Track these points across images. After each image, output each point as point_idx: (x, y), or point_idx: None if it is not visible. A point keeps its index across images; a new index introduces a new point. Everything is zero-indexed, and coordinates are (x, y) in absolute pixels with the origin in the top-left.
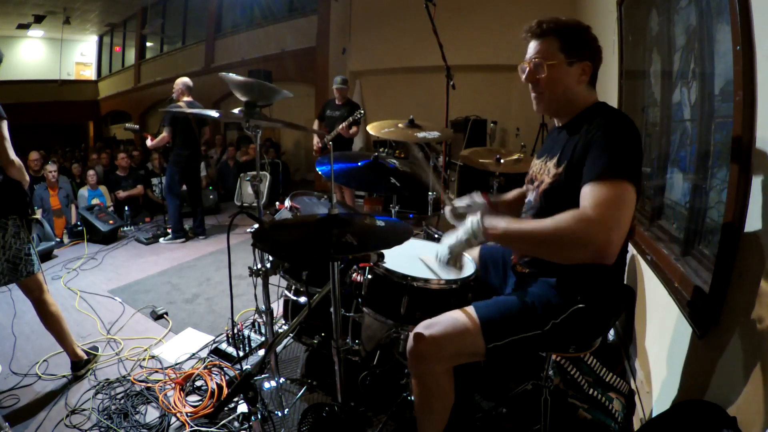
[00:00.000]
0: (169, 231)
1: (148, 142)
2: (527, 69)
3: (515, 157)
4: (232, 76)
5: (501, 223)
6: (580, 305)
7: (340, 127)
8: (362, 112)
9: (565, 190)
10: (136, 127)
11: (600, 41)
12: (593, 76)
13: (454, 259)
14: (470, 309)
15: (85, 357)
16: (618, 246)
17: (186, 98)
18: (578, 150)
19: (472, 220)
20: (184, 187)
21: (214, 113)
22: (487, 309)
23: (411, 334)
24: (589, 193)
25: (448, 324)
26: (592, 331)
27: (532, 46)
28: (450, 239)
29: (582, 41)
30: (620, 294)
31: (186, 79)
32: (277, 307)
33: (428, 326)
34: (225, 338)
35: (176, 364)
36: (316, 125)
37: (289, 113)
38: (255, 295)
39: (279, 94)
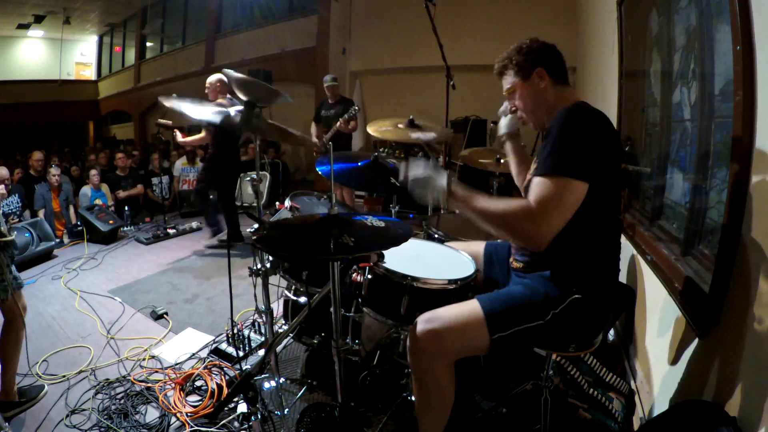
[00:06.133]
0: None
1: (179, 138)
2: (506, 102)
3: None
4: (234, 73)
5: (462, 191)
6: (577, 296)
7: (338, 123)
8: (357, 108)
9: None
10: (169, 123)
11: (600, 41)
12: (557, 74)
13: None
14: (473, 302)
15: (17, 399)
16: (548, 238)
17: (223, 97)
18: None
19: (441, 178)
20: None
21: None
22: (491, 300)
23: (411, 329)
24: (535, 187)
25: (450, 317)
26: (591, 327)
27: (503, 84)
28: (418, 170)
29: (524, 56)
30: (615, 288)
31: (220, 75)
32: (277, 307)
33: (429, 320)
34: (225, 338)
35: (176, 364)
36: (312, 127)
37: (288, 114)
38: (255, 295)
39: (280, 96)
